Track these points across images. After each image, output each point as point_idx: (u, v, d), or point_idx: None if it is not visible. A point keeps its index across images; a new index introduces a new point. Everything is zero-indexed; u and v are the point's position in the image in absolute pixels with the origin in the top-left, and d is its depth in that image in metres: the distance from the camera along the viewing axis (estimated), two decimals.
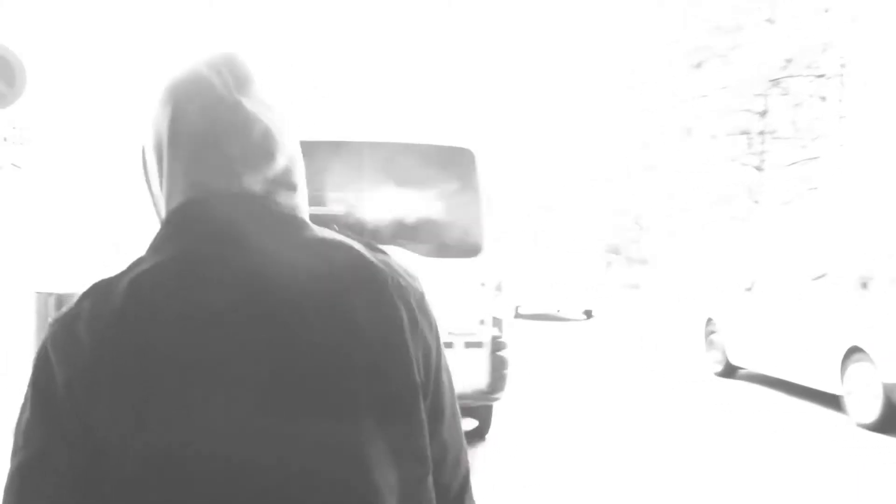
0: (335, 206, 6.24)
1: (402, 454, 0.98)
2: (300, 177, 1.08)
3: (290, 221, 1.02)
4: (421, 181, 6.13)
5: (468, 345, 5.95)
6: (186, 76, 1.04)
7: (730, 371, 10.64)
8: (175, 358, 0.91)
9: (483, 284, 5.99)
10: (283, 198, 1.03)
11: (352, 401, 0.95)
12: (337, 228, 1.10)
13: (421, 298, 1.06)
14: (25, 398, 0.95)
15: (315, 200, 6.43)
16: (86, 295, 0.97)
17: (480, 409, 6.23)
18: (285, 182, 1.05)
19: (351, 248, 1.02)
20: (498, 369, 5.94)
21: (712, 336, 11.13)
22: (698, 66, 22.68)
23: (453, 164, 6.13)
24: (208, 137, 1.01)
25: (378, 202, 6.17)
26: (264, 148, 1.03)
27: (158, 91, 1.08)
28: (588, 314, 20.18)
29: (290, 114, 1.10)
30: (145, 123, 1.08)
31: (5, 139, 5.41)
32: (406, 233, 6.10)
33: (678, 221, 27.51)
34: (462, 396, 5.99)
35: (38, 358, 0.96)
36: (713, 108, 22.29)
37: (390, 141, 6.11)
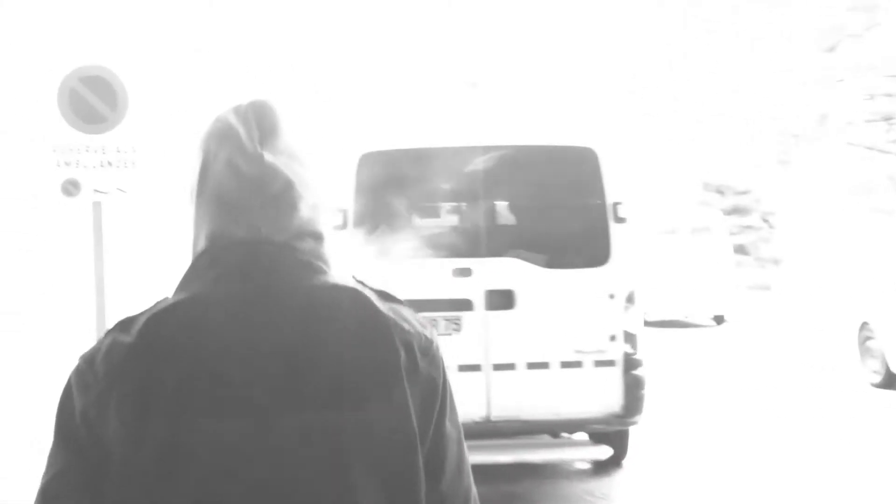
0: (448, 217, 5.79)
1: None
2: (324, 224, 1.15)
3: (306, 267, 1.10)
4: (539, 185, 5.61)
5: (598, 364, 5.38)
6: (217, 126, 1.14)
7: (891, 381, 9.57)
8: (176, 386, 1.02)
9: (612, 296, 5.41)
10: (303, 245, 1.11)
11: (342, 451, 1.03)
12: (356, 278, 1.17)
13: (427, 345, 1.13)
14: (53, 427, 1.08)
15: (427, 212, 5.98)
16: (109, 331, 1.10)
17: (614, 434, 5.64)
18: (307, 231, 1.12)
19: (359, 295, 1.10)
20: (633, 390, 5.35)
21: (869, 342, 10.04)
22: (831, 49, 21.22)
23: (574, 164, 5.59)
24: (231, 190, 1.10)
25: (493, 210, 5.68)
26: (285, 200, 1.10)
27: (195, 138, 1.16)
28: (719, 320, 19.02)
29: (319, 162, 1.15)
30: (186, 167, 1.16)
31: (110, 163, 5.26)
32: (524, 242, 5.59)
33: (812, 217, 25.87)
34: (594, 421, 5.43)
35: (63, 391, 1.09)
36: (850, 92, 20.80)
37: (504, 143, 5.63)
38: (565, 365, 5.38)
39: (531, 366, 5.40)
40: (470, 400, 5.34)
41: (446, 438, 1.12)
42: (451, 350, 5.43)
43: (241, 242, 1.10)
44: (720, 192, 32.42)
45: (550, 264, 5.47)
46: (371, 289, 1.16)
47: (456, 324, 5.42)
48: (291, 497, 1.02)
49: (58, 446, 1.08)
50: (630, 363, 5.37)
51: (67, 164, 5.29)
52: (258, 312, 1.06)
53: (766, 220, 31.56)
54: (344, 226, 5.45)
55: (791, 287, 29.89)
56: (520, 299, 5.40)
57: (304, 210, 1.12)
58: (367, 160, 5.53)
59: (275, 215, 1.10)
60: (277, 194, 1.10)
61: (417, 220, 5.81)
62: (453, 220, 5.68)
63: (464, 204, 5.77)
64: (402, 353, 1.09)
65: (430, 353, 1.13)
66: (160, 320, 1.07)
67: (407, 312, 1.16)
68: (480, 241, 5.48)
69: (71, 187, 5.24)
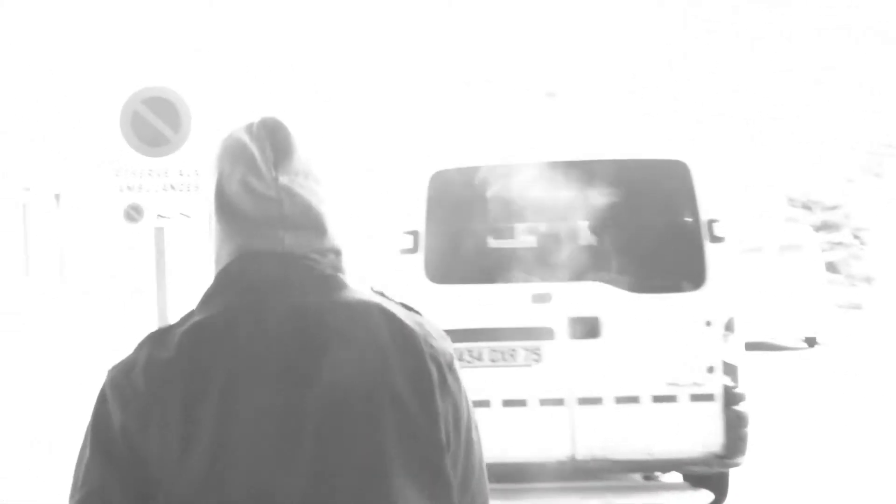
0: (526, 238, 5.39)
1: None
2: (342, 239, 1.18)
3: (331, 281, 1.15)
4: (625, 202, 5.17)
5: (694, 398, 4.88)
6: (231, 145, 1.17)
7: None
8: (219, 398, 1.07)
9: (709, 323, 4.91)
10: (325, 258, 1.16)
11: (383, 458, 1.08)
12: (374, 288, 1.20)
13: (451, 359, 1.18)
14: (85, 440, 1.11)
15: (503, 233, 5.59)
16: (142, 345, 1.13)
17: (713, 476, 5.11)
18: (327, 246, 1.17)
19: (386, 310, 1.15)
20: (735, 428, 4.83)
21: None
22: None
23: (663, 179, 5.13)
24: (249, 209, 1.14)
25: (574, 230, 5.26)
26: (303, 218, 1.15)
27: (209, 156, 1.20)
28: (811, 342, 17.99)
29: (334, 177, 1.19)
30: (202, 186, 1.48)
31: (172, 187, 5.06)
32: (609, 264, 5.15)
33: None
34: (691, 461, 4.93)
35: (98, 403, 1.12)
36: None
37: (586, 158, 5.21)
38: (658, 399, 4.90)
39: (620, 400, 4.94)
40: (552, 437, 4.91)
41: (473, 444, 1.18)
42: (531, 383, 5.01)
43: (267, 255, 1.13)
44: (807, 207, 31.06)
45: (639, 288, 5.01)
46: (393, 301, 1.19)
47: (536, 354, 5.01)
48: (327, 495, 1.06)
49: (94, 461, 1.08)
50: (731, 397, 4.85)
51: (130, 188, 5.12)
52: (294, 326, 1.10)
53: (857, 237, 30.10)
54: (414, 249, 5.12)
55: (884, 306, 28.36)
56: (606, 327, 4.95)
57: (323, 226, 1.15)
58: (440, 178, 5.19)
59: (294, 232, 1.14)
60: (295, 213, 1.13)
61: (493, 242, 5.44)
62: (531, 241, 5.28)
63: (543, 224, 5.37)
64: (434, 371, 1.13)
65: (453, 367, 1.17)
66: (195, 335, 1.10)
67: (430, 326, 1.19)
68: (561, 263, 5.06)
69: (134, 212, 5.07)
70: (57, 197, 15.71)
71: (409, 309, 1.20)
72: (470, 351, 5.04)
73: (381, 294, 1.20)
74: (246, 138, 1.15)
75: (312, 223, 1.15)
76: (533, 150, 5.37)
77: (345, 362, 1.09)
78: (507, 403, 4.98)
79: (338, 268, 1.17)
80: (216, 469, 1.06)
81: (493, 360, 5.02)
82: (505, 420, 4.99)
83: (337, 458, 1.07)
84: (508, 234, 5.55)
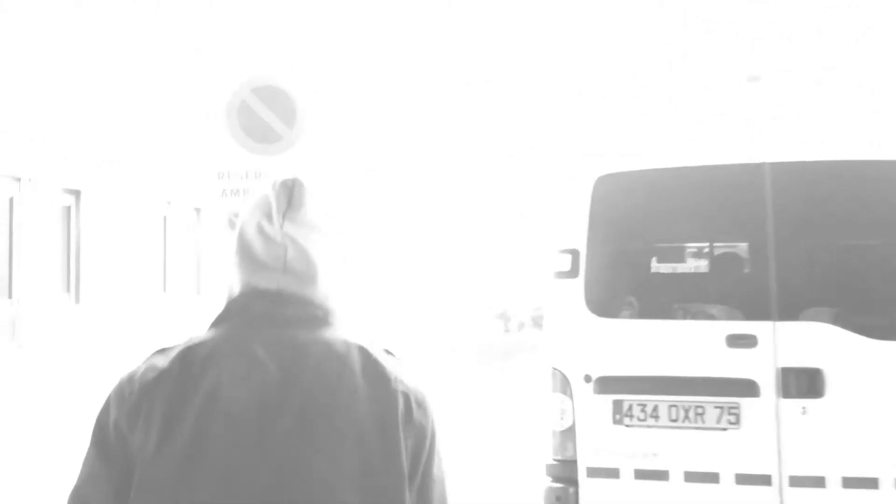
0: (721, 262, 4.18)
1: None
2: (337, 285, 1.37)
3: (320, 321, 1.33)
4: (855, 217, 3.88)
5: None
6: (258, 196, 1.39)
7: None
8: (200, 406, 1.22)
9: None
10: (317, 301, 1.34)
11: (340, 482, 1.20)
12: (363, 334, 1.38)
13: (422, 397, 1.32)
14: (91, 435, 1.29)
15: (689, 255, 4.40)
16: (148, 358, 1.32)
17: None
18: (322, 290, 1.35)
19: (363, 348, 1.32)
20: None
21: None
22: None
23: None
24: (259, 251, 1.34)
25: (786, 252, 4.01)
26: (302, 264, 1.33)
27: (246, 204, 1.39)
28: None
29: (340, 232, 1.37)
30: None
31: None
32: (834, 298, 3.87)
33: None
34: None
35: (104, 404, 1.30)
36: None
37: (799, 159, 3.98)
38: None
39: (849, 482, 3.66)
40: None
41: (433, 480, 1.30)
42: (727, 452, 3.79)
43: (266, 293, 1.32)
44: None
45: (876, 332, 3.72)
46: (377, 346, 1.36)
47: (733, 415, 3.79)
48: (294, 495, 1.19)
49: (91, 452, 1.28)
50: None
51: (235, 192, 4.35)
52: (278, 358, 1.26)
53: None
54: (573, 272, 4.03)
55: None
56: (831, 382, 3.69)
57: (321, 273, 1.35)
58: (606, 185, 4.09)
59: (293, 275, 1.33)
60: (296, 259, 1.33)
61: (675, 266, 4.27)
62: (727, 265, 4.08)
63: (742, 243, 4.15)
64: (401, 403, 1.27)
65: (423, 405, 1.31)
66: (192, 352, 1.28)
67: (405, 369, 1.34)
68: (768, 295, 3.84)
69: (237, 220, 4.28)
70: (197, 210, 15.59)
71: (391, 353, 1.36)
72: (642, 405, 3.89)
73: (368, 339, 1.36)
74: (269, 191, 1.37)
75: (310, 270, 1.34)
76: (727, 149, 4.17)
77: (317, 392, 1.24)
78: (692, 478, 3.80)
79: (328, 310, 1.35)
80: (189, 467, 1.20)
81: (673, 420, 3.85)
82: (689, 500, 3.81)
83: (300, 475, 1.20)
84: (696, 255, 4.35)
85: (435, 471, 1.31)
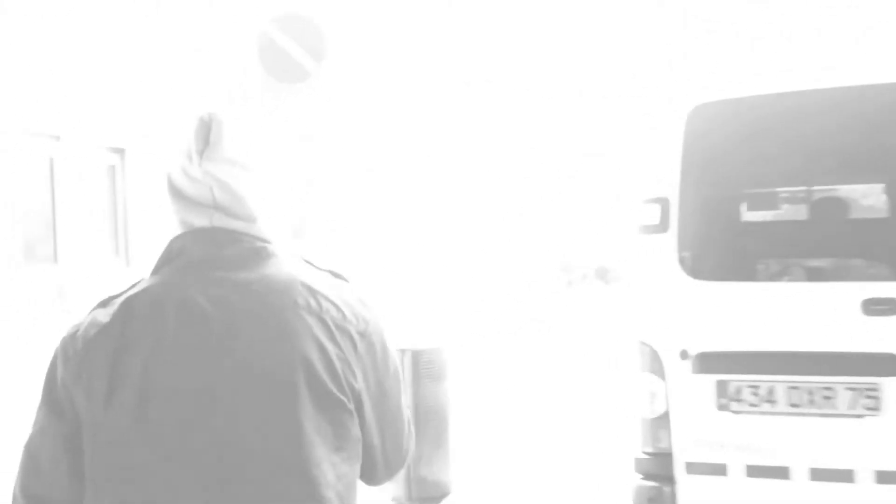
0: (845, 208, 3.38)
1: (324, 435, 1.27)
2: (272, 216, 1.38)
3: (259, 253, 1.34)
4: None
5: None
6: (178, 136, 1.40)
7: None
8: (141, 360, 1.24)
9: None
10: (253, 231, 1.35)
11: (295, 417, 1.25)
12: (306, 259, 1.41)
13: (364, 326, 1.35)
14: (41, 391, 1.33)
15: (804, 202, 3.61)
16: (93, 309, 1.34)
17: None
18: (256, 223, 1.36)
19: (306, 284, 1.32)
20: None
21: None
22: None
23: None
24: (187, 191, 1.35)
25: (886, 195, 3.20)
26: (228, 199, 1.34)
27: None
28: None
29: (264, 162, 1.37)
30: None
31: (309, 138, 3.55)
32: None
33: None
34: None
35: (52, 360, 1.33)
36: None
37: None
38: None
39: None
40: None
41: (388, 395, 1.37)
42: (863, 445, 3.06)
43: (202, 230, 1.34)
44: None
45: None
46: (320, 271, 1.38)
47: (871, 398, 3.06)
48: (248, 435, 1.22)
49: (41, 407, 1.31)
50: None
51: None
52: (218, 303, 1.27)
53: None
54: (663, 226, 3.30)
55: None
56: None
57: (252, 206, 1.35)
58: (703, 116, 3.33)
59: (224, 211, 1.34)
60: (222, 196, 1.34)
61: (791, 214, 3.50)
62: (864, 212, 3.29)
63: (879, 187, 3.35)
64: (344, 335, 1.31)
65: (366, 333, 1.34)
66: (132, 303, 1.29)
67: (352, 295, 1.37)
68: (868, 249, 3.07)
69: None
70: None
71: (337, 276, 1.39)
72: (754, 388, 3.17)
73: (310, 264, 1.39)
74: (190, 130, 1.36)
75: (239, 205, 1.34)
76: (872, 68, 3.38)
77: (259, 333, 1.26)
78: (820, 476, 3.09)
79: (265, 241, 1.35)
80: (140, 415, 1.22)
81: (794, 406, 3.13)
82: (815, 501, 3.10)
83: (250, 419, 1.22)
84: (822, 201, 3.54)
85: (388, 385, 1.37)
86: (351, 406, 1.29)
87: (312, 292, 1.31)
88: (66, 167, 10.20)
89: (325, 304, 1.30)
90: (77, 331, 1.30)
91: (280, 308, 1.27)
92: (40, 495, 1.29)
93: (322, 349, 1.27)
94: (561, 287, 20.93)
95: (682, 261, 3.25)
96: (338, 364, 1.28)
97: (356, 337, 1.31)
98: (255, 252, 1.32)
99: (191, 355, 1.24)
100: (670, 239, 3.25)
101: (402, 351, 5.00)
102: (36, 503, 1.30)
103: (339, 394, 1.27)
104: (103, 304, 1.33)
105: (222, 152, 1.33)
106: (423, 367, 4.63)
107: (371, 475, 1.39)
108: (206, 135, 1.33)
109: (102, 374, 1.24)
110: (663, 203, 3.27)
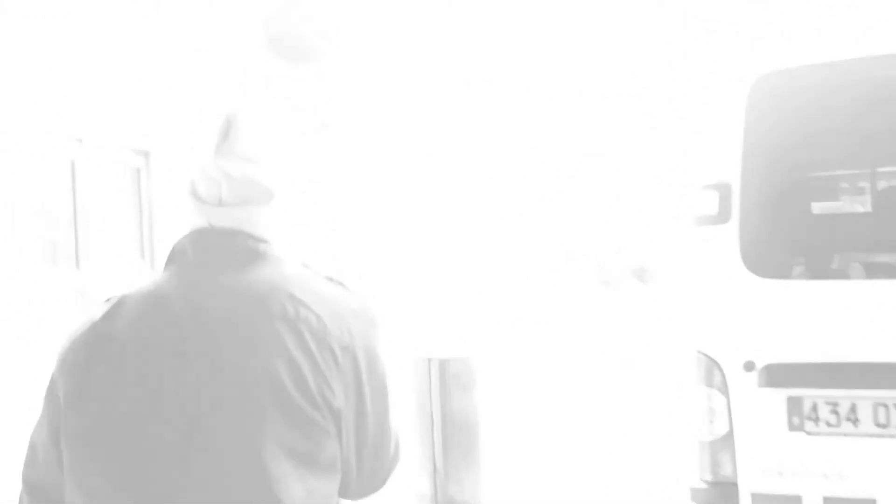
0: (881, 193, 2.93)
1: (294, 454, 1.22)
2: (276, 210, 1.34)
3: (252, 255, 1.31)
4: None
5: None
6: (203, 136, 1.40)
7: None
8: (113, 364, 1.26)
9: None
10: (248, 230, 1.33)
11: (259, 439, 1.21)
12: (304, 264, 1.36)
13: (348, 342, 1.28)
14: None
15: (870, 190, 3.15)
16: (91, 312, 1.36)
17: None
18: (258, 221, 1.34)
19: (293, 296, 1.27)
20: None
21: None
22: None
23: None
24: (199, 189, 1.36)
25: None
26: (234, 196, 1.33)
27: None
28: None
29: (278, 159, 1.35)
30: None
31: (324, 126, 3.20)
32: None
33: None
34: None
35: (54, 365, 1.36)
36: None
37: None
38: None
39: None
40: None
41: (368, 416, 1.30)
42: None
43: (200, 231, 1.34)
44: None
45: None
46: (316, 277, 1.34)
47: None
48: (209, 448, 1.20)
49: (43, 405, 1.35)
50: None
51: None
52: (194, 308, 1.26)
53: None
54: (724, 216, 2.88)
55: None
56: None
57: (257, 202, 1.33)
58: (768, 89, 2.92)
59: (226, 210, 1.33)
60: (229, 193, 1.33)
61: (876, 203, 3.06)
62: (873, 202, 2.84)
63: None
64: (326, 351, 1.25)
65: (350, 348, 1.28)
66: (121, 303, 1.31)
67: (342, 305, 1.31)
68: None
69: None
70: None
71: (335, 282, 1.34)
72: (833, 405, 2.74)
73: (307, 268, 1.35)
74: (209, 128, 1.38)
75: (243, 202, 1.33)
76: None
77: (228, 345, 1.23)
78: None
79: (260, 242, 1.32)
80: (100, 422, 1.24)
81: (881, 426, 2.70)
82: None
83: (212, 430, 1.21)
84: (832, 195, 3.11)
85: (372, 417, 1.31)
86: (326, 422, 1.25)
87: (293, 300, 1.27)
88: (88, 170, 10.02)
89: (304, 312, 1.26)
90: (73, 335, 1.34)
91: (255, 317, 1.25)
92: (37, 484, 1.35)
93: (292, 362, 1.22)
94: (596, 287, 20.38)
95: (745, 258, 2.82)
96: (310, 378, 1.23)
97: (338, 351, 1.26)
98: (247, 253, 1.31)
99: (160, 361, 1.24)
100: (731, 230, 2.82)
101: (429, 360, 4.69)
102: (33, 491, 1.36)
103: (311, 409, 1.22)
104: (107, 300, 1.35)
105: (237, 147, 1.34)
106: (451, 377, 4.29)
107: (344, 490, 1.36)
108: (226, 131, 1.35)
109: (77, 372, 1.28)
110: (723, 189, 2.85)
